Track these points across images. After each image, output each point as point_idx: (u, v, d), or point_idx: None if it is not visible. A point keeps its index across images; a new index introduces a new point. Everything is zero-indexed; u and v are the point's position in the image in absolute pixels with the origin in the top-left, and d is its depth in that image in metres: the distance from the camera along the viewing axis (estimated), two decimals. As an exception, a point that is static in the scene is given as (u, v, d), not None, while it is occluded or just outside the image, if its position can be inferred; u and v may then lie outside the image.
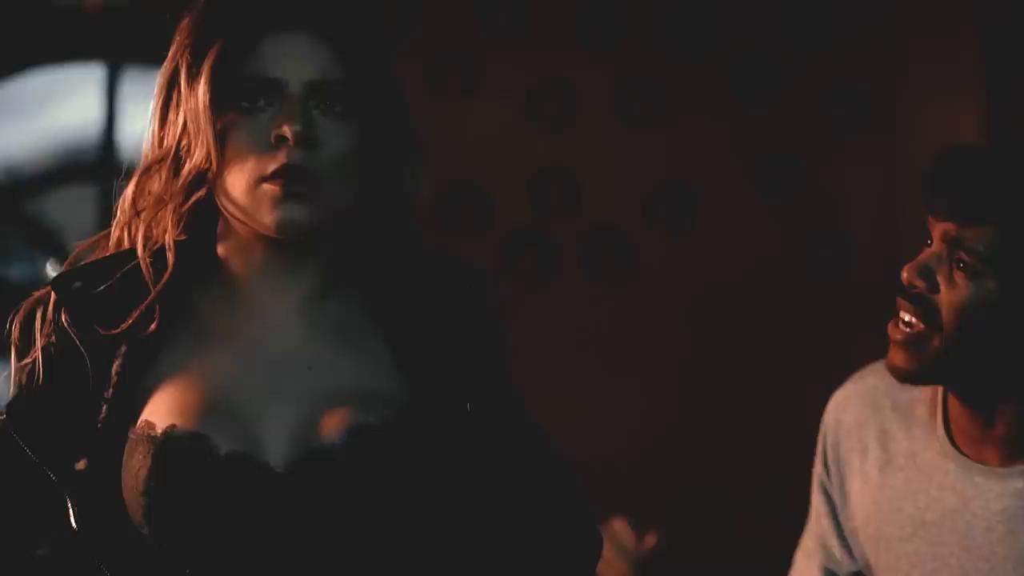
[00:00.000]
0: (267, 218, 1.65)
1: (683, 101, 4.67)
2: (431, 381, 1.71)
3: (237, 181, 1.65)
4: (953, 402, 2.02)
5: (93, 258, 1.77)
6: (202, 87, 1.65)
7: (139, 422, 1.66)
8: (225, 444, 1.63)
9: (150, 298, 1.69)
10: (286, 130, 1.63)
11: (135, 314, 1.68)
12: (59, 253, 5.48)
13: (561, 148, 4.69)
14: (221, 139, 1.65)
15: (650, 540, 3.27)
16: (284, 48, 1.66)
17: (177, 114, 1.69)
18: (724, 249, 4.67)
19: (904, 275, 1.95)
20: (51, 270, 5.67)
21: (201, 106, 1.64)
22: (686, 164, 4.68)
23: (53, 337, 1.71)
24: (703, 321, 4.66)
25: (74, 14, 5.03)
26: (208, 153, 1.65)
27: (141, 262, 1.70)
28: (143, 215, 1.71)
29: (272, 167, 1.63)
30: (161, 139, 1.71)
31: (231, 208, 1.68)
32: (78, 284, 1.72)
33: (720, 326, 4.66)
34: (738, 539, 4.28)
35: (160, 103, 1.71)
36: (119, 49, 5.17)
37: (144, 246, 1.70)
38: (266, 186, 1.64)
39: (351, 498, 1.64)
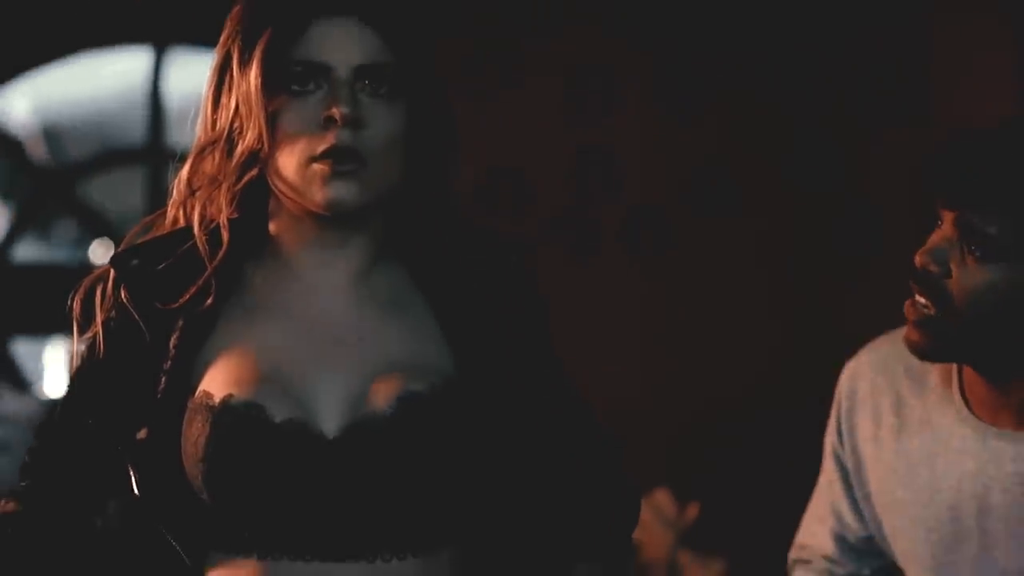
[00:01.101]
0: (317, 196, 1.70)
1: (720, 85, 4.69)
2: (476, 350, 1.76)
3: (288, 161, 1.71)
4: (968, 370, 2.04)
5: (149, 237, 1.82)
6: (254, 72, 1.70)
7: (197, 392, 1.72)
8: (280, 413, 1.69)
9: (207, 274, 1.74)
10: (335, 112, 1.68)
11: (193, 289, 1.74)
12: (104, 235, 5.55)
13: (601, 130, 4.72)
14: (272, 121, 1.71)
15: (692, 511, 3.32)
16: (332, 33, 1.72)
17: (230, 98, 1.74)
18: (760, 230, 4.69)
19: (917, 260, 1.95)
20: (95, 251, 5.75)
21: (253, 90, 1.70)
22: (724, 146, 4.71)
23: (113, 312, 1.77)
24: (740, 299, 4.69)
25: (120, -2, 5.09)
26: (260, 135, 1.70)
27: (197, 239, 1.75)
28: (198, 194, 1.77)
29: (322, 147, 1.69)
30: (214, 122, 1.76)
31: (282, 187, 1.74)
32: (136, 262, 1.78)
33: (757, 304, 4.69)
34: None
35: (212, 88, 1.77)
36: (165, 32, 5.22)
37: (200, 224, 1.76)
38: (316, 166, 1.70)
39: (401, 464, 1.69)
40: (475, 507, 1.77)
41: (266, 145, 1.71)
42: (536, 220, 4.66)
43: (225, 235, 1.75)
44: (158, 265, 1.77)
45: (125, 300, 1.76)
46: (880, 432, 2.13)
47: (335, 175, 1.69)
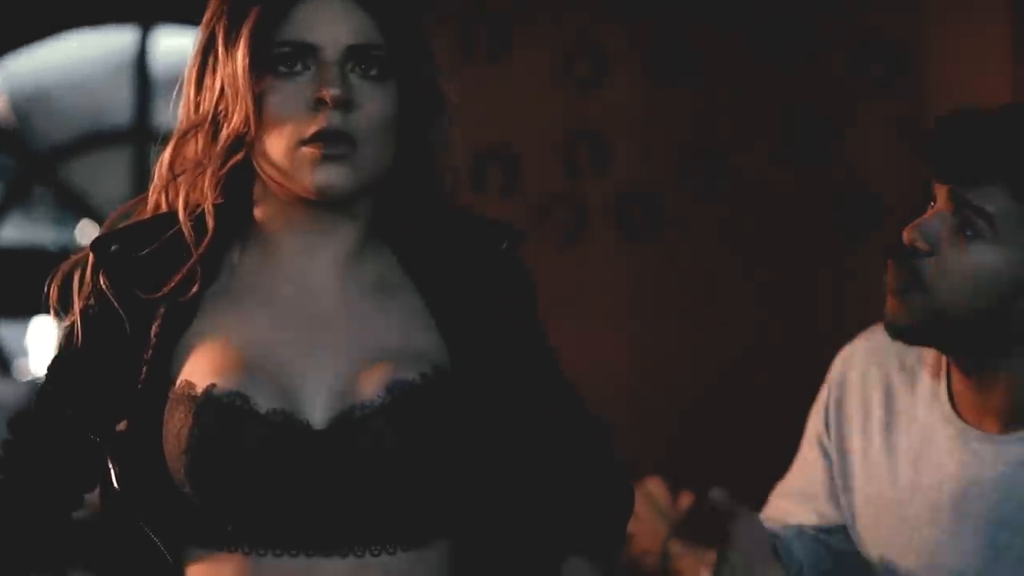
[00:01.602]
0: (307, 180, 1.66)
1: (713, 63, 4.67)
2: (468, 338, 1.73)
3: (276, 144, 1.67)
4: (955, 369, 2.00)
5: (131, 222, 1.78)
6: (241, 52, 1.66)
7: (179, 382, 1.67)
8: (265, 403, 1.65)
9: (192, 261, 1.70)
10: (325, 94, 1.64)
11: (177, 277, 1.70)
12: (89, 216, 5.51)
13: (591, 110, 4.69)
14: (258, 103, 1.66)
15: (685, 500, 3.27)
16: (320, 12, 1.67)
17: (214, 80, 1.70)
18: (753, 210, 4.67)
19: (905, 235, 1.91)
20: (81, 231, 5.71)
21: (241, 71, 1.66)
22: (716, 126, 4.68)
23: (92, 300, 1.73)
24: (732, 281, 4.67)
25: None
26: (247, 117, 1.66)
27: (183, 225, 1.71)
28: (181, 179, 1.73)
29: (311, 130, 1.65)
30: (197, 104, 1.72)
31: (270, 171, 1.69)
32: (116, 247, 1.73)
33: (749, 287, 4.66)
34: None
35: (196, 69, 1.72)
36: (151, 11, 5.20)
37: (184, 210, 1.72)
38: (305, 149, 1.65)
39: (390, 456, 1.65)
40: (466, 499, 1.73)
41: (253, 128, 1.67)
42: (526, 201, 4.64)
43: (210, 221, 1.71)
44: (139, 251, 1.72)
45: (104, 287, 1.72)
46: (868, 425, 2.09)
47: (325, 159, 1.65)
